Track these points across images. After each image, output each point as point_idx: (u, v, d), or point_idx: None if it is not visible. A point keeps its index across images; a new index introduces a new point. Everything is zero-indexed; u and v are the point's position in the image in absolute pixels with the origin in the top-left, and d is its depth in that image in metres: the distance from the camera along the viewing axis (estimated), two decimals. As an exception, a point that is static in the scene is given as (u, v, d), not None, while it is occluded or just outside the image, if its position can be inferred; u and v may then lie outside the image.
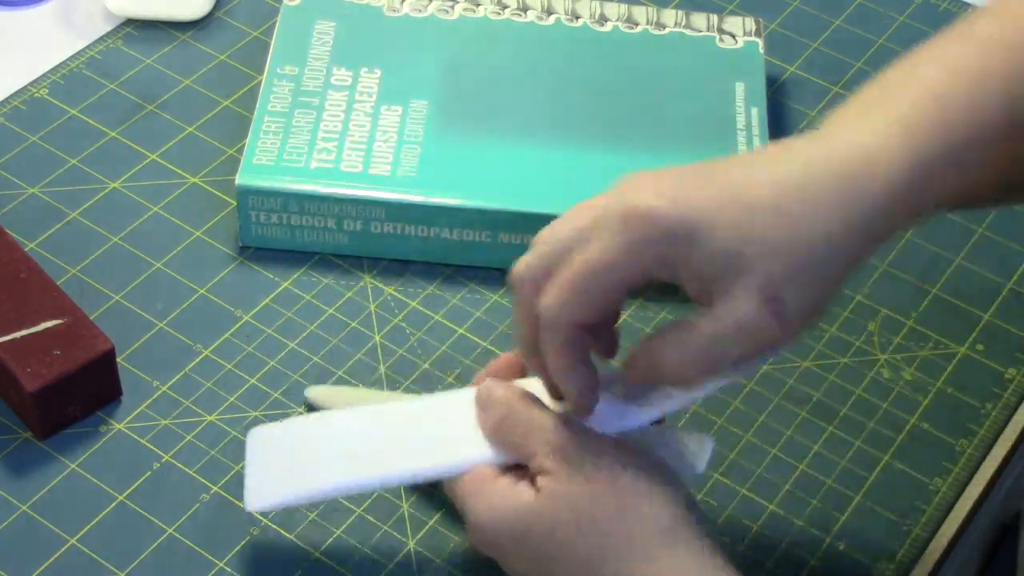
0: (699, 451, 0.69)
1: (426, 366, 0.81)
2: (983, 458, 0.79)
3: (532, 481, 0.66)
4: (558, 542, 0.64)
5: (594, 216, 0.64)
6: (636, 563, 0.64)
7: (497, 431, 0.68)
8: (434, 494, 0.75)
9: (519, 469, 0.67)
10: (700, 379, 0.64)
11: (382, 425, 0.71)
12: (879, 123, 0.63)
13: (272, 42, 0.91)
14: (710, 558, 0.64)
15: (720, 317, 0.62)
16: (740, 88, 0.90)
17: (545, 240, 0.65)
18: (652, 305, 0.84)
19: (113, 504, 0.74)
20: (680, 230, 0.61)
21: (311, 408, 0.78)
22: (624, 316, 0.83)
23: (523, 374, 0.71)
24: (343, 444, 0.71)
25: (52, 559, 0.72)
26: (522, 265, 0.65)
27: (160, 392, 0.79)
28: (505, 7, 0.94)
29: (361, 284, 0.84)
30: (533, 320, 0.65)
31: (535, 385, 0.69)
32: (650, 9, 0.94)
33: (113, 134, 0.91)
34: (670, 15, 0.94)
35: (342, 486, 0.70)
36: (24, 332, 0.75)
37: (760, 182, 0.62)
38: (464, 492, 0.67)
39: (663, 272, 0.63)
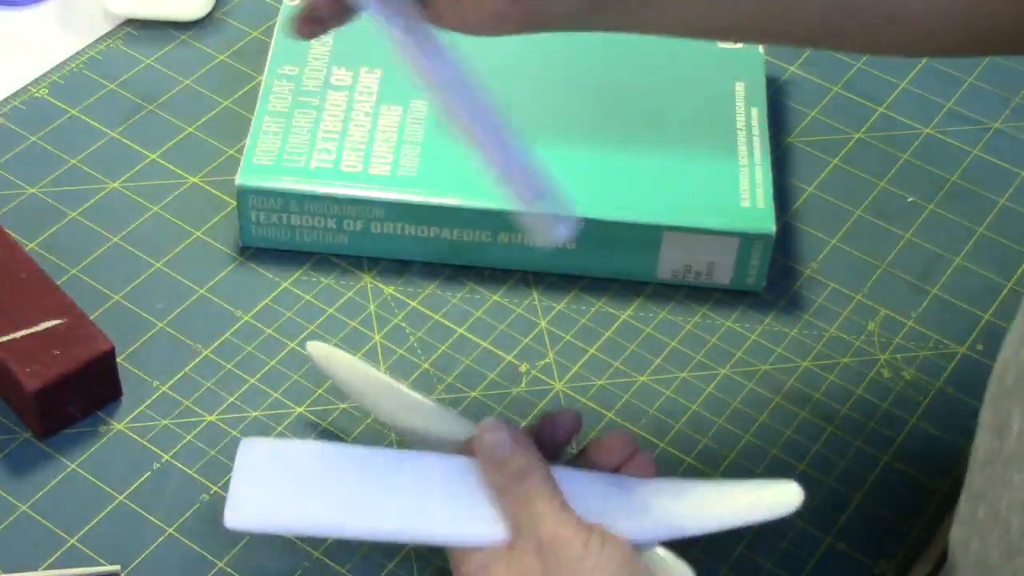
0: None
1: (426, 366, 0.81)
2: (983, 458, 0.79)
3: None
4: None
5: None
6: None
7: (503, 503, 0.66)
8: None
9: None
10: None
11: (383, 472, 0.68)
12: None
13: (272, 42, 0.91)
14: None
15: None
16: (740, 88, 0.90)
17: None
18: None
19: (113, 504, 0.74)
20: None
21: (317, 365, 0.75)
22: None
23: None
24: (342, 484, 0.67)
25: (52, 559, 0.72)
26: None
27: (160, 392, 0.79)
28: (505, 7, 0.94)
29: (361, 284, 0.84)
30: None
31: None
32: (650, 9, 0.94)
33: (113, 134, 0.91)
34: (670, 15, 0.94)
35: (330, 528, 0.67)
36: (24, 332, 0.75)
37: None
38: (453, 552, 0.67)
39: None
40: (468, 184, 0.83)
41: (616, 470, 0.69)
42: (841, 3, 0.67)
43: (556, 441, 0.70)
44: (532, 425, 0.70)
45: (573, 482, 0.67)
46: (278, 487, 0.67)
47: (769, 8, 0.67)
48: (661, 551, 0.67)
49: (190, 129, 0.91)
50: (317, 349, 0.75)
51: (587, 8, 0.65)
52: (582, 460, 0.70)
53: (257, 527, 0.67)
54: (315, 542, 0.73)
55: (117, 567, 0.71)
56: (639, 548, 0.66)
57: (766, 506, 0.67)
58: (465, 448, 0.68)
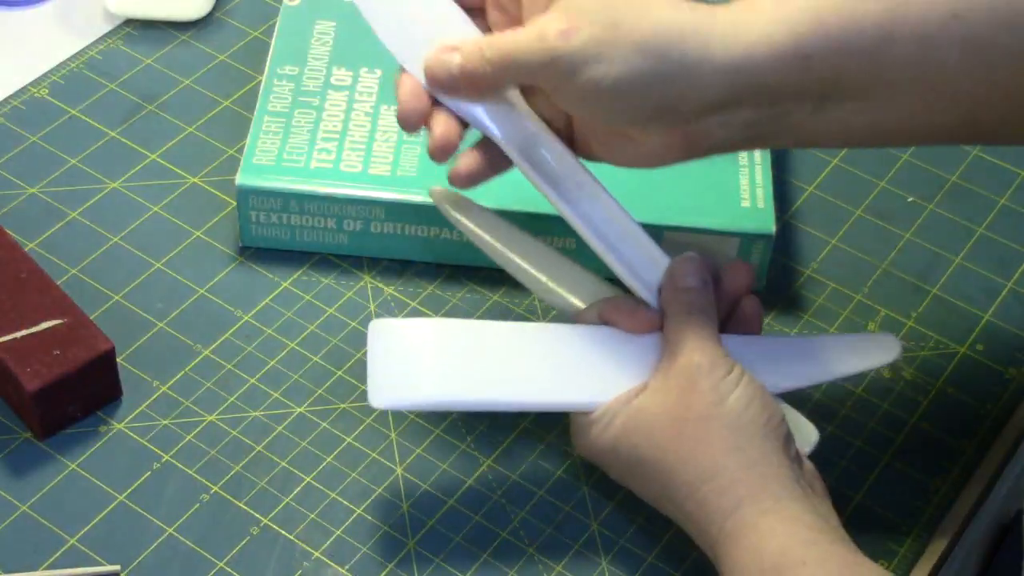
0: (803, 438, 0.72)
1: (426, 366, 0.81)
2: (983, 458, 0.79)
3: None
4: (649, 447, 0.70)
5: None
6: (711, 478, 0.68)
7: (669, 312, 0.72)
8: (434, 493, 0.75)
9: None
10: (489, 76, 0.68)
11: (516, 342, 0.72)
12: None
13: (272, 42, 0.91)
14: (788, 486, 0.67)
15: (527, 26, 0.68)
16: (740, 88, 0.90)
17: None
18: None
19: (113, 504, 0.74)
20: None
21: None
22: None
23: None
24: (478, 355, 0.71)
25: (52, 559, 0.72)
26: None
27: (160, 392, 0.79)
28: (505, 7, 0.94)
29: (361, 284, 0.84)
30: None
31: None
32: (650, 9, 0.94)
33: (113, 134, 0.91)
34: (670, 15, 0.93)
35: (473, 399, 0.70)
36: (24, 332, 0.75)
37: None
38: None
39: None
40: (468, 184, 0.83)
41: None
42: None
43: (726, 297, 0.75)
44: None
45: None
46: (415, 364, 0.70)
47: (923, 111, 0.69)
48: (789, 410, 0.73)
49: (190, 129, 0.91)
50: (441, 194, 0.77)
51: (749, 136, 0.69)
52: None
53: (401, 403, 0.69)
54: (315, 541, 0.73)
55: (117, 567, 0.71)
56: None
57: (869, 353, 0.74)
58: (585, 314, 0.74)
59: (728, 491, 0.67)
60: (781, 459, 0.68)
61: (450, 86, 0.70)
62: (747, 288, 0.75)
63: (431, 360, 0.71)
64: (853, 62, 0.66)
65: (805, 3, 0.67)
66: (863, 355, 0.74)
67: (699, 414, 0.68)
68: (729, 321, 0.75)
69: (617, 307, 0.74)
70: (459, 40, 0.69)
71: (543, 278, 0.75)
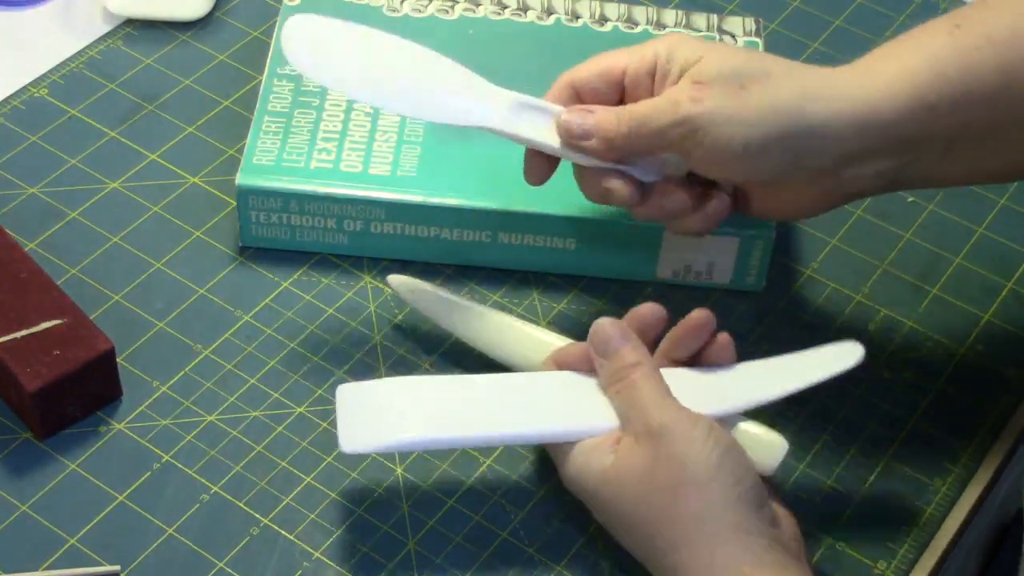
0: (772, 451, 0.71)
1: (426, 366, 0.81)
2: (983, 458, 0.79)
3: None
4: (620, 511, 0.69)
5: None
6: (679, 548, 0.67)
7: (612, 392, 0.72)
8: (434, 494, 0.75)
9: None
10: (623, 138, 0.73)
11: (480, 390, 0.73)
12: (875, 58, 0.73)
13: (272, 42, 0.91)
14: (759, 554, 0.66)
15: (658, 95, 0.74)
16: (740, 88, 0.90)
17: None
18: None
19: (113, 504, 0.74)
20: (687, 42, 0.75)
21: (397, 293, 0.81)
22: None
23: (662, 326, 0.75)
24: (443, 400, 0.73)
25: (52, 559, 0.72)
26: None
27: (160, 392, 0.79)
28: (505, 7, 0.94)
29: (361, 284, 0.84)
30: None
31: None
32: (650, 9, 0.94)
33: (113, 134, 0.91)
34: (670, 15, 0.94)
35: (438, 438, 0.71)
36: (24, 332, 0.75)
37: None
38: (559, 452, 0.72)
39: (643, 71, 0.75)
40: (468, 184, 0.83)
41: (697, 356, 0.74)
42: None
43: (647, 339, 0.75)
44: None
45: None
46: (384, 412, 0.72)
47: None
48: (754, 427, 0.72)
49: (190, 129, 0.91)
50: (398, 281, 0.81)
51: (883, 184, 0.74)
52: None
53: (371, 447, 0.72)
54: (315, 541, 0.73)
55: (117, 567, 0.71)
56: (725, 420, 0.71)
57: (831, 361, 0.72)
58: (546, 364, 0.75)
59: (696, 560, 0.66)
60: (752, 526, 0.66)
61: (583, 140, 0.75)
62: (708, 326, 0.74)
63: (396, 409, 0.73)
64: (977, 108, 0.70)
65: (923, 58, 0.71)
66: (824, 364, 0.72)
67: (663, 485, 0.67)
68: (701, 354, 0.74)
69: (565, 351, 0.75)
70: (593, 105, 0.75)
71: (492, 352, 0.79)
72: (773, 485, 0.72)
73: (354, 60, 0.76)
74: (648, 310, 0.74)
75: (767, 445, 0.71)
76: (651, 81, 0.75)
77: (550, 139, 0.76)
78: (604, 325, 0.72)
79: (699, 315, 0.73)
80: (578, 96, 0.77)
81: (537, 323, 0.82)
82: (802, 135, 0.72)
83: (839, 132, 0.71)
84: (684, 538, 0.66)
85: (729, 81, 0.72)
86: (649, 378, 0.71)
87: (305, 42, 0.75)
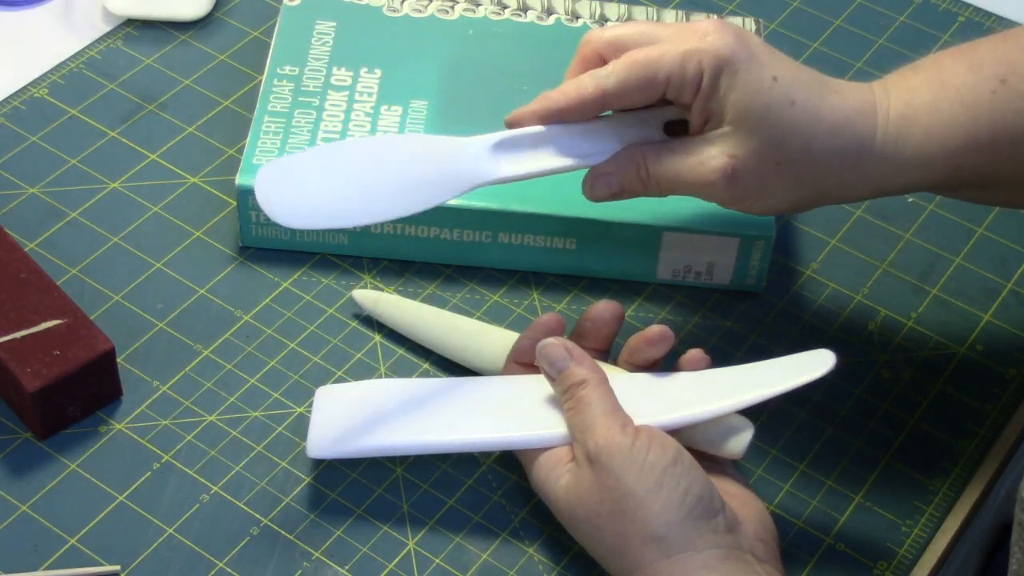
0: (738, 436, 0.71)
1: (426, 366, 0.81)
2: (983, 458, 0.79)
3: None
4: (580, 532, 0.70)
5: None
6: (636, 570, 0.67)
7: (566, 409, 0.71)
8: (434, 493, 0.75)
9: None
10: (647, 190, 0.75)
11: (446, 393, 0.75)
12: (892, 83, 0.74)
13: (272, 42, 0.91)
14: (713, 566, 0.65)
15: (689, 150, 0.73)
16: (740, 88, 0.90)
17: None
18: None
19: (113, 504, 0.74)
20: (734, 61, 0.71)
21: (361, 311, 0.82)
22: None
23: (563, 332, 0.75)
24: (409, 406, 0.74)
25: (52, 559, 0.72)
26: None
27: (160, 392, 0.79)
28: (505, 7, 0.94)
29: (361, 284, 0.84)
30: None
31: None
32: (650, 9, 0.94)
33: (113, 134, 0.91)
34: (670, 15, 0.94)
35: (396, 444, 0.73)
36: (24, 332, 0.75)
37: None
38: (524, 460, 0.73)
39: (687, 89, 0.72)
40: (468, 184, 0.83)
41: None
42: None
43: (599, 345, 0.76)
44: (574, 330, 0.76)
45: (621, 382, 0.72)
46: (350, 419, 0.74)
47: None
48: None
49: (190, 129, 0.91)
50: (362, 295, 0.82)
51: (867, 196, 0.76)
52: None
53: (333, 455, 0.73)
54: (315, 541, 0.73)
55: (117, 567, 0.72)
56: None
57: (801, 369, 0.72)
58: (509, 366, 0.76)
59: None
60: (706, 537, 0.66)
61: (611, 198, 0.76)
62: (663, 341, 0.74)
63: (363, 415, 0.74)
64: (1004, 164, 0.72)
65: (960, 124, 0.71)
66: (794, 373, 0.72)
67: (611, 509, 0.67)
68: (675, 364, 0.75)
69: (520, 348, 0.75)
70: (613, 167, 0.75)
71: (457, 356, 0.80)
72: (739, 472, 0.73)
73: (329, 193, 0.72)
74: (600, 308, 0.75)
75: (733, 429, 0.71)
76: (693, 93, 0.73)
77: (542, 165, 0.75)
78: (548, 346, 0.72)
79: (655, 330, 0.74)
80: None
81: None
82: (828, 197, 0.75)
83: (867, 192, 0.74)
84: (639, 559, 0.67)
85: (769, 153, 0.71)
86: (596, 393, 0.70)
87: (276, 195, 0.71)
